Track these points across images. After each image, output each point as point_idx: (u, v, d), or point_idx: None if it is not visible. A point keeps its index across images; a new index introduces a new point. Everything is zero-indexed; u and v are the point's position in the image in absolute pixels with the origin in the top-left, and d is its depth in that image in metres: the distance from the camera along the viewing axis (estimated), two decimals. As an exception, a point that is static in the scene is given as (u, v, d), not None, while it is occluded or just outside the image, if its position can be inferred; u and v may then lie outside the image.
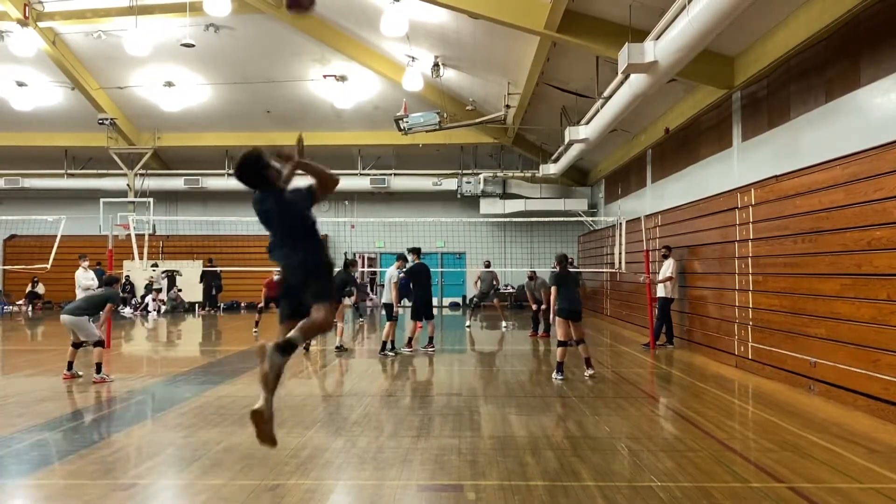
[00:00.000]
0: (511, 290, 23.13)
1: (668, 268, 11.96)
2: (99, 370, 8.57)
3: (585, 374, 8.86)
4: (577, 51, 12.33)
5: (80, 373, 8.90)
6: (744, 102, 11.15)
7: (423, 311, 11.58)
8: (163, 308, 21.27)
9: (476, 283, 17.32)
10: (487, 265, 17.23)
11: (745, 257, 9.67)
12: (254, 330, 14.75)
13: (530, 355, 11.53)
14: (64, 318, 8.66)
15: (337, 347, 11.61)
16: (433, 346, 11.59)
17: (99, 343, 8.72)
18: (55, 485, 4.69)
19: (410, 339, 11.75)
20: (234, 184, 22.34)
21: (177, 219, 22.29)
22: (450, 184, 22.64)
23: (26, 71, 19.27)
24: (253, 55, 18.37)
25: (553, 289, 9.01)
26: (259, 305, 15.28)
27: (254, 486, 4.60)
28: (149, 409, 7.42)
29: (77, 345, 8.80)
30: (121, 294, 21.61)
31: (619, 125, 13.46)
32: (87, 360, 9.33)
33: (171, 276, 22.38)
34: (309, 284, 4.03)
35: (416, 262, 11.67)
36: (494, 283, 16.90)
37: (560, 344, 8.86)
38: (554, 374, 8.77)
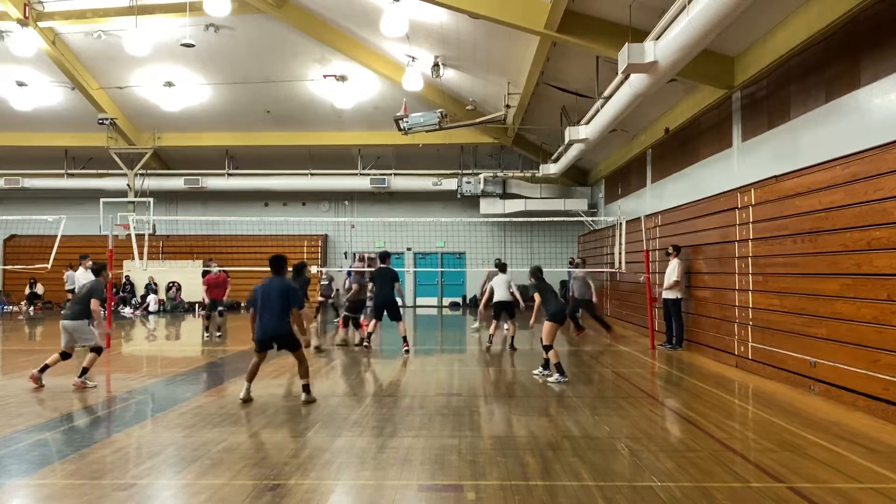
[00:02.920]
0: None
1: (673, 270, 11.70)
2: (83, 374, 8.19)
3: (552, 378, 8.76)
4: (577, 51, 12.33)
5: (44, 382, 8.27)
6: (744, 102, 11.14)
7: (382, 312, 11.76)
8: (150, 306, 21.55)
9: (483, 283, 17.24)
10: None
11: (745, 257, 9.67)
12: (205, 334, 14.32)
13: (531, 355, 11.51)
14: (64, 323, 8.35)
15: (316, 348, 11.73)
16: (406, 347, 11.61)
17: (96, 349, 8.35)
18: (55, 485, 4.68)
19: (369, 336, 11.96)
20: (233, 184, 22.26)
21: (177, 219, 22.30)
22: (450, 184, 22.64)
23: (26, 71, 19.28)
24: (253, 55, 18.37)
25: (537, 296, 9.10)
26: (204, 304, 14.29)
27: (254, 486, 4.60)
28: (149, 409, 7.41)
29: (66, 355, 8.34)
30: (121, 292, 21.74)
31: (619, 125, 13.45)
32: (86, 360, 9.30)
33: (177, 283, 22.51)
34: None
35: (380, 266, 11.97)
36: None
37: (549, 348, 8.80)
38: (557, 377, 8.63)
